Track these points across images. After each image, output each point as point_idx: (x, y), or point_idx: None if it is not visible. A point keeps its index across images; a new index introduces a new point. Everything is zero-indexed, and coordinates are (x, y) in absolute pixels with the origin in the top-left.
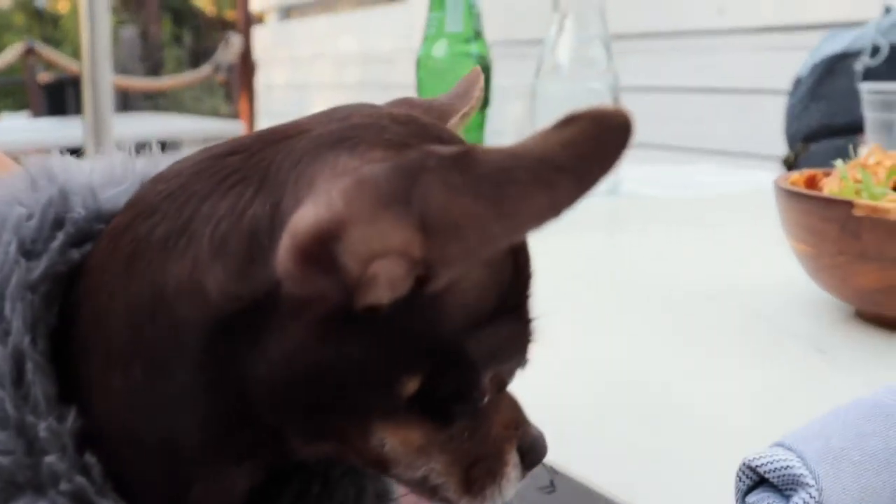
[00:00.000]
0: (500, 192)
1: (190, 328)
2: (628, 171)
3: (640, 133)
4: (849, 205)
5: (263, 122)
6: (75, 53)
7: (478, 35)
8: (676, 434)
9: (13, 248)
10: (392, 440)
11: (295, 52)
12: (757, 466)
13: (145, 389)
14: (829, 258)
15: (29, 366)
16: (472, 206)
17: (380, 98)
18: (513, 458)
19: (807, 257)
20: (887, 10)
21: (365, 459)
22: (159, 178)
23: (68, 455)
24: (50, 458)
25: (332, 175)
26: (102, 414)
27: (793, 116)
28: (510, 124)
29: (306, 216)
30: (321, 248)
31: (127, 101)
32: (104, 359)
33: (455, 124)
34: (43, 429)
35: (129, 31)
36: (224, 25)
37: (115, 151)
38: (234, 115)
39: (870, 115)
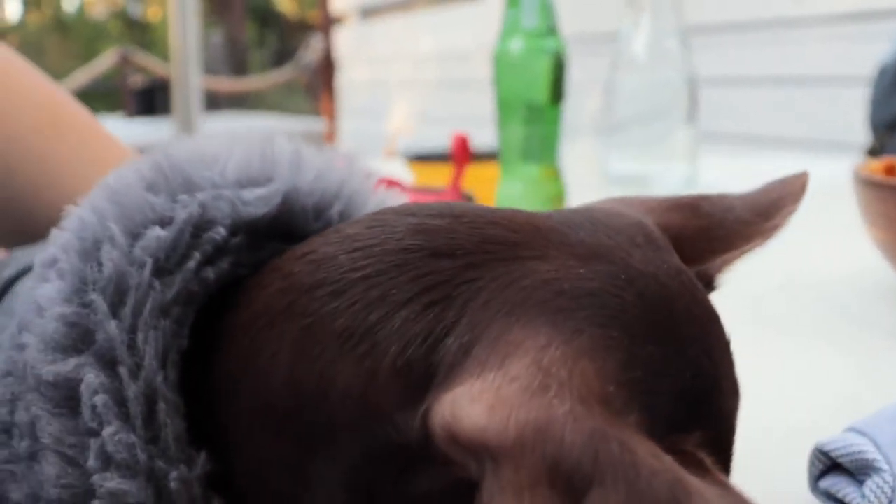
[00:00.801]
0: None
1: (346, 434)
2: (706, 162)
3: (718, 125)
4: None
5: (345, 120)
6: (166, 58)
7: (553, 30)
8: (751, 419)
9: (148, 270)
10: None
11: (374, 51)
12: (830, 451)
13: (289, 460)
14: None
15: (161, 406)
16: None
17: (457, 96)
18: None
19: (885, 245)
20: None
21: None
22: (355, 241)
23: None
24: None
25: (531, 363)
26: (234, 461)
27: (877, 105)
28: (586, 118)
29: (473, 416)
30: (474, 452)
31: (214, 102)
32: (253, 413)
33: (745, 251)
34: (174, 478)
35: (216, 35)
36: (306, 27)
37: (252, 139)
38: (316, 114)
39: None
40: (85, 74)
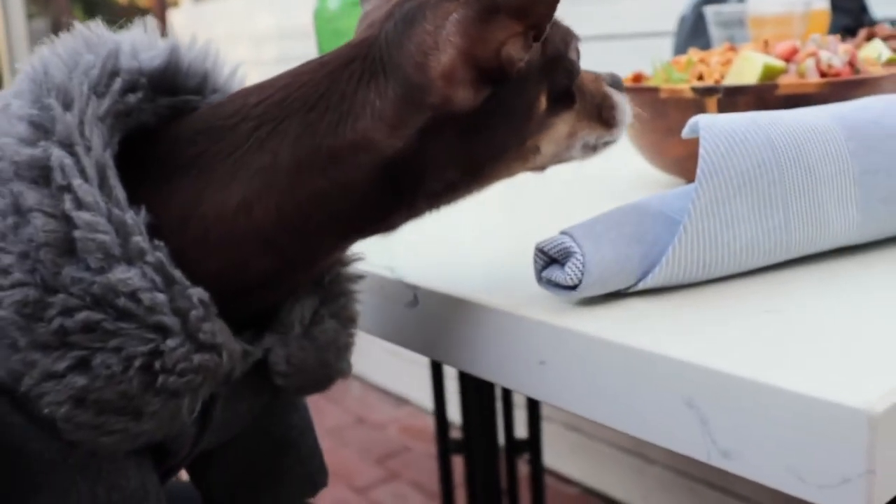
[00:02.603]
0: None
1: (363, 169)
2: None
3: None
4: (656, 90)
5: None
6: None
7: None
8: (510, 248)
9: (86, 87)
10: (546, 144)
11: (211, 32)
12: (543, 248)
13: (304, 206)
14: (648, 136)
15: (110, 173)
16: None
17: None
18: (611, 91)
19: (635, 139)
20: None
21: (535, 166)
22: (295, 85)
23: (145, 238)
24: (136, 238)
25: (432, 37)
26: (200, 217)
27: (679, 51)
28: None
29: (446, 59)
30: (465, 68)
31: None
32: (251, 189)
33: None
34: (129, 217)
35: (40, 24)
36: (137, 10)
37: (137, 27)
38: None
39: (715, 34)
40: None
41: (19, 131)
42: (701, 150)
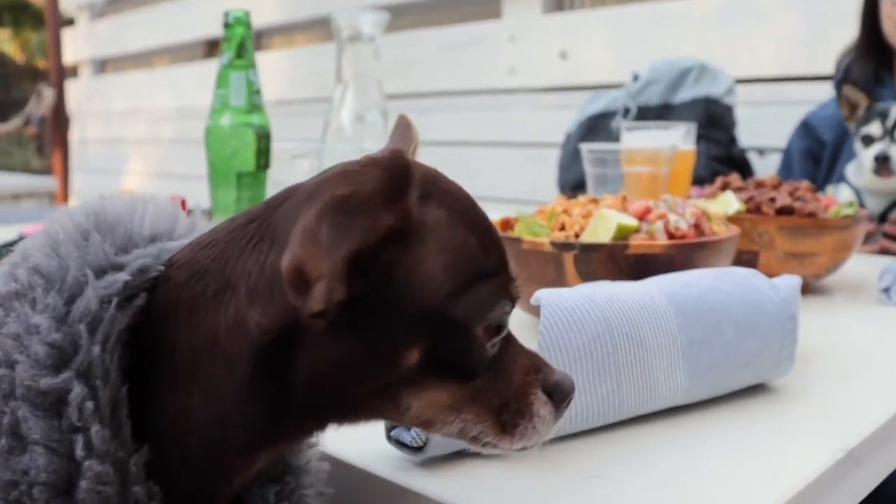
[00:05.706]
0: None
1: (238, 359)
2: None
3: None
4: (520, 240)
5: (77, 178)
6: None
7: (258, 107)
8: None
9: (113, 308)
10: (417, 404)
11: (110, 106)
12: None
13: (200, 408)
14: None
15: (123, 410)
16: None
17: (193, 153)
18: (539, 398)
19: None
20: (635, 77)
21: (405, 422)
22: (204, 244)
23: (145, 485)
24: (137, 489)
25: (297, 229)
26: (161, 431)
27: (563, 168)
28: (300, 179)
29: (284, 261)
30: (300, 280)
31: None
32: (169, 389)
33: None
34: (133, 464)
35: None
36: (35, 76)
37: (152, 200)
38: (47, 170)
39: (589, 171)
40: None
41: (37, 352)
42: (541, 326)
